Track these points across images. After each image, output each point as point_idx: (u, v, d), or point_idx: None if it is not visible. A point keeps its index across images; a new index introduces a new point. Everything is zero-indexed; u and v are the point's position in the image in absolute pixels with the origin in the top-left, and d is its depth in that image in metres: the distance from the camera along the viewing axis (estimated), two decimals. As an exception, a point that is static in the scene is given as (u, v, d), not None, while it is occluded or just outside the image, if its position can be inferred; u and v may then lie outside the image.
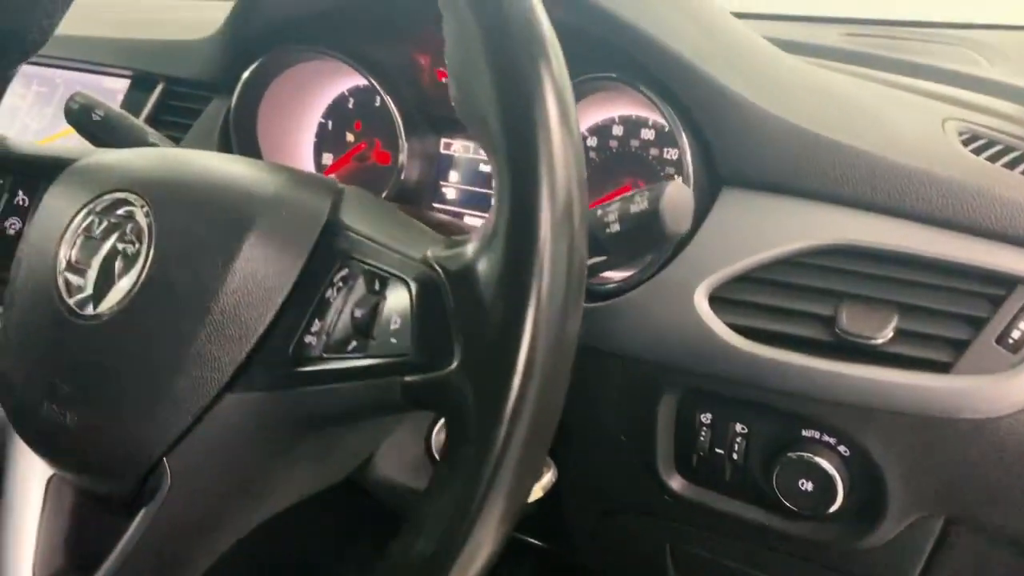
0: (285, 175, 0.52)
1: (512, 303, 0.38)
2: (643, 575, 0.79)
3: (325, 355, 0.46)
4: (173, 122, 0.91)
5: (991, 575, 0.60)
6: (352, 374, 0.44)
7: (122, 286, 0.49)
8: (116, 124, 0.74)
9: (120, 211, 0.50)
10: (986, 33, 0.99)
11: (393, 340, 0.43)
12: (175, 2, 1.26)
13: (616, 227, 0.51)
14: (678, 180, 0.56)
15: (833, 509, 0.59)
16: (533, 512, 0.65)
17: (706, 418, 0.63)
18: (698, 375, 0.61)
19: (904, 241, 0.57)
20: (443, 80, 0.82)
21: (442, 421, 0.68)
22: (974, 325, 0.55)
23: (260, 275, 0.47)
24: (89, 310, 0.49)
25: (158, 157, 0.54)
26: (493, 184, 0.41)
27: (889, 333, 0.56)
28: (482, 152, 0.83)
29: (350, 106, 0.89)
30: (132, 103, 0.95)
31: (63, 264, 0.51)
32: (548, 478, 0.66)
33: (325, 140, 0.90)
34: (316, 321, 0.46)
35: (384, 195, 0.82)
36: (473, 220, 0.83)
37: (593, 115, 0.75)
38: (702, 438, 0.63)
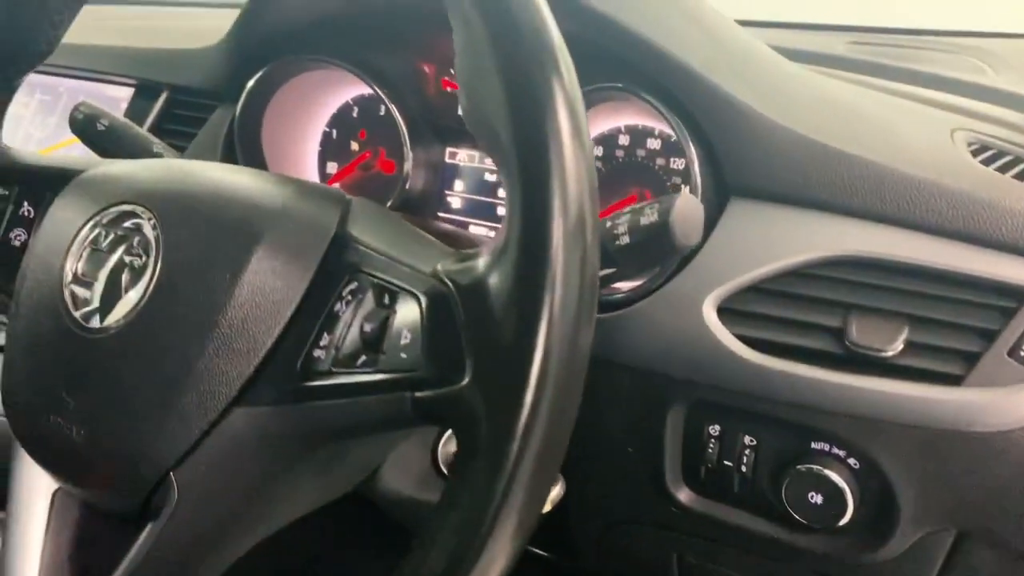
0: (293, 187, 0.51)
1: (524, 317, 0.38)
2: (649, 586, 0.78)
3: (334, 369, 0.45)
4: (177, 131, 0.91)
5: (1003, 589, 0.60)
6: (362, 389, 0.44)
7: (129, 299, 0.48)
8: (121, 134, 0.74)
9: (127, 223, 0.50)
10: (991, 41, 0.99)
11: (403, 355, 0.43)
12: (179, 10, 1.25)
13: (626, 239, 0.50)
14: (688, 192, 0.56)
15: (843, 522, 0.58)
16: (539, 523, 0.65)
17: (714, 430, 0.63)
18: (707, 387, 0.61)
19: (914, 252, 0.57)
20: (448, 89, 0.82)
21: (448, 433, 0.67)
22: (985, 337, 0.54)
23: (268, 288, 0.47)
24: (96, 323, 0.49)
25: (165, 169, 0.53)
26: (504, 196, 0.40)
27: (899, 345, 0.55)
28: (487, 162, 0.82)
29: (354, 115, 0.88)
30: (136, 111, 0.94)
31: (69, 276, 0.51)
32: (557, 491, 0.66)
33: (329, 149, 0.90)
34: (325, 335, 0.46)
35: (389, 204, 0.82)
36: (478, 229, 0.83)
37: (599, 125, 0.75)
38: (710, 450, 0.63)
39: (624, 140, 0.75)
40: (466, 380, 0.40)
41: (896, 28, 1.08)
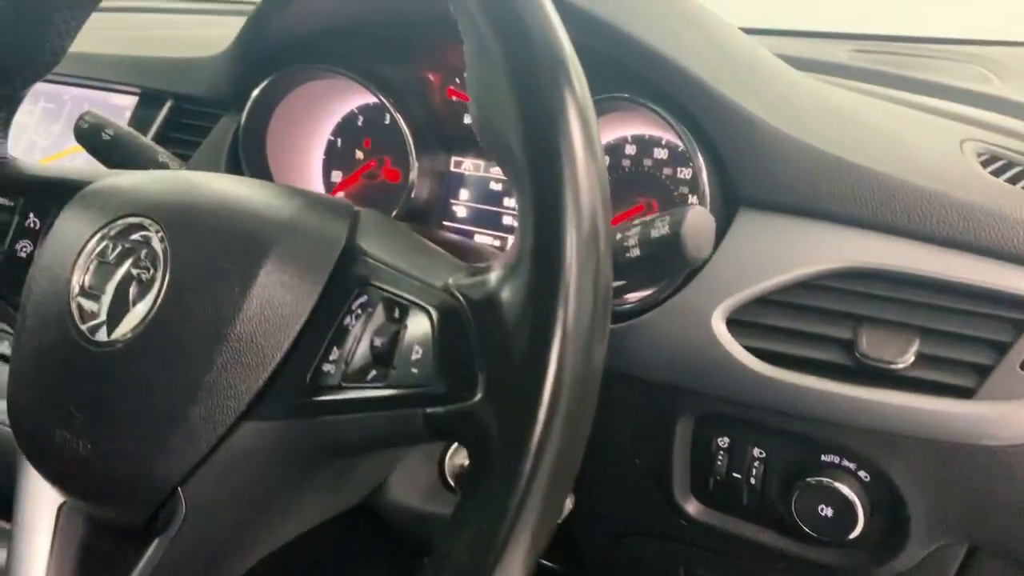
0: (301, 199, 0.51)
1: (537, 332, 0.37)
2: (656, 598, 0.78)
3: (344, 384, 0.45)
4: (181, 139, 0.91)
5: (1014, 602, 0.59)
6: (372, 404, 0.43)
7: (137, 312, 0.48)
8: (126, 143, 0.74)
9: (135, 236, 0.50)
10: (995, 50, 0.99)
11: (414, 370, 0.43)
12: (183, 18, 1.25)
13: (636, 251, 0.50)
14: (699, 205, 0.55)
15: (853, 535, 0.58)
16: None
17: (723, 442, 0.62)
18: (715, 398, 0.60)
19: (925, 264, 0.57)
20: (454, 98, 0.82)
21: (455, 445, 0.67)
22: (997, 350, 0.54)
23: (277, 302, 0.46)
24: (103, 336, 0.48)
25: (173, 181, 0.53)
26: (508, 205, 0.40)
27: (910, 358, 0.55)
28: (492, 171, 0.82)
29: (359, 123, 0.88)
30: (140, 120, 0.94)
31: (76, 289, 0.50)
32: (566, 505, 0.65)
33: (334, 158, 0.90)
34: (334, 349, 0.46)
35: (394, 213, 0.81)
36: (483, 238, 0.83)
37: (606, 134, 0.75)
38: (719, 462, 0.62)
39: (631, 150, 0.75)
40: (478, 396, 0.39)
41: (899, 36, 1.08)
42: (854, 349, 0.56)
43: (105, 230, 0.51)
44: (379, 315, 0.45)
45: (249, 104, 0.83)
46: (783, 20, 1.18)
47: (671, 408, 0.63)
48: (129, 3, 1.37)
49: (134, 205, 0.51)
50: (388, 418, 0.43)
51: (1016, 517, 0.55)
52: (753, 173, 0.62)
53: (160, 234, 0.49)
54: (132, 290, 0.49)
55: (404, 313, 0.44)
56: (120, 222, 0.51)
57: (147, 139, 0.78)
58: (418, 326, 0.43)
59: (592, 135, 0.38)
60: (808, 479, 0.59)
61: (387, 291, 0.46)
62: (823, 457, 0.59)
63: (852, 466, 0.58)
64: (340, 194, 0.89)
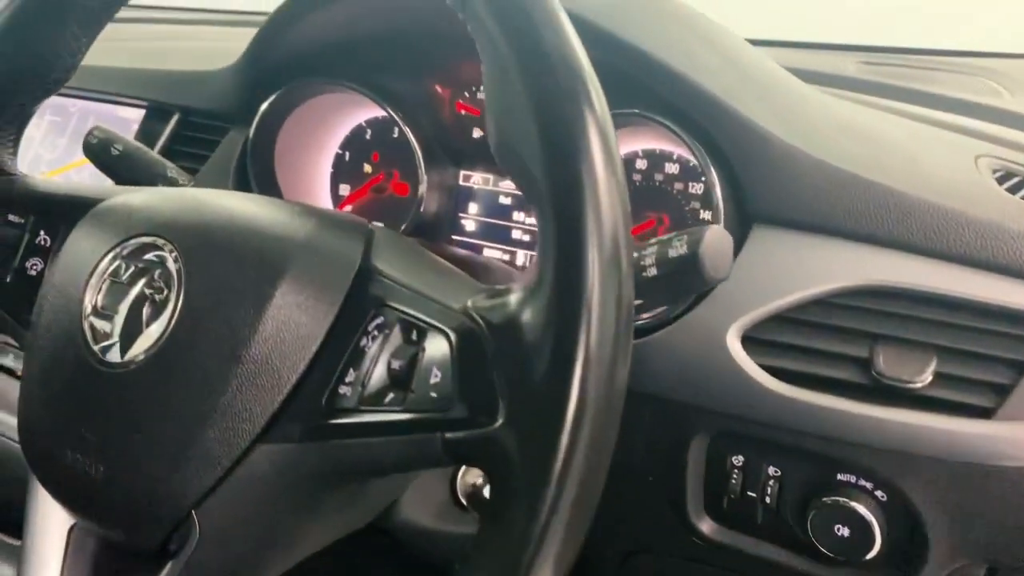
0: (315, 218, 0.51)
1: (559, 356, 0.37)
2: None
3: (361, 407, 0.44)
4: (188, 153, 0.90)
5: (1034, 623, 0.59)
6: (391, 428, 0.43)
7: (151, 333, 0.47)
8: (135, 158, 0.74)
9: (148, 255, 0.49)
10: (1004, 62, 0.99)
11: (434, 394, 0.42)
12: (190, 29, 1.25)
13: (653, 271, 0.50)
14: (717, 225, 0.55)
15: (871, 555, 0.57)
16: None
17: (738, 460, 0.62)
18: (730, 417, 0.60)
19: (942, 282, 0.56)
20: (463, 112, 0.81)
21: (467, 463, 0.66)
22: (1016, 369, 0.54)
23: (293, 323, 0.46)
24: (116, 357, 0.48)
25: (186, 200, 0.52)
26: (536, 230, 0.40)
27: (928, 377, 0.55)
28: (502, 185, 0.82)
29: (367, 137, 0.88)
30: (147, 133, 0.94)
31: (89, 309, 0.50)
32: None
33: (342, 171, 0.90)
34: (350, 371, 0.45)
35: (403, 227, 0.81)
36: (493, 252, 0.82)
37: (617, 149, 0.75)
38: (733, 480, 0.62)
39: (641, 164, 0.74)
40: (499, 422, 0.39)
41: (908, 48, 1.08)
42: (871, 368, 0.56)
43: (118, 249, 0.50)
44: (396, 337, 0.45)
45: (258, 118, 0.83)
46: (791, 31, 1.18)
47: (685, 426, 0.62)
48: (138, 13, 1.37)
49: (147, 224, 0.51)
50: (406, 442, 0.43)
51: (1036, 538, 0.54)
52: (767, 190, 0.62)
53: (174, 254, 0.48)
54: (145, 311, 0.48)
55: (422, 335, 0.44)
56: (133, 241, 0.50)
57: (156, 154, 0.78)
58: (437, 349, 0.43)
59: (613, 154, 0.38)
60: (824, 498, 0.58)
61: (404, 312, 0.45)
62: (839, 476, 0.58)
63: (869, 486, 0.58)
64: (348, 208, 0.89)
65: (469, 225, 0.84)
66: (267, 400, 0.45)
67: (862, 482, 0.58)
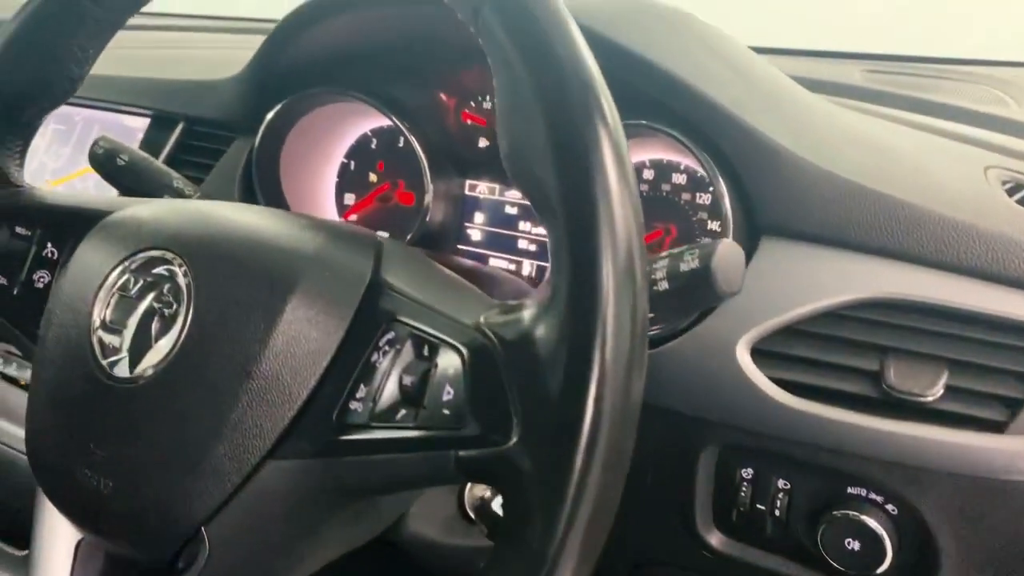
0: (325, 232, 0.50)
1: (574, 373, 0.37)
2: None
3: (373, 424, 0.44)
4: (193, 162, 0.90)
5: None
6: (403, 445, 0.43)
7: (160, 348, 0.47)
8: (140, 169, 0.74)
9: (157, 269, 0.49)
10: (1011, 71, 0.99)
11: (446, 411, 0.42)
12: (195, 36, 1.25)
13: (664, 284, 0.50)
14: (728, 239, 0.54)
15: (881, 569, 0.57)
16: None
17: (747, 473, 0.61)
18: (740, 430, 0.60)
19: (952, 295, 0.56)
20: (468, 121, 0.81)
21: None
22: (1028, 383, 0.53)
23: (303, 338, 0.45)
24: (124, 372, 0.47)
25: (195, 213, 0.52)
26: (548, 245, 0.39)
27: (939, 390, 0.54)
28: (507, 194, 0.82)
29: (373, 146, 0.88)
30: (151, 142, 0.94)
31: (97, 323, 0.49)
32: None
33: (347, 180, 0.89)
34: (361, 387, 0.45)
35: (409, 237, 0.81)
36: (499, 262, 0.82)
37: (625, 160, 0.74)
38: (743, 494, 0.62)
39: (649, 175, 0.74)
40: (513, 440, 0.38)
41: (913, 56, 1.08)
42: (881, 381, 0.56)
43: (127, 263, 0.50)
44: (408, 352, 0.45)
45: (263, 127, 0.82)
46: (794, 38, 1.18)
47: (694, 438, 0.62)
48: (144, 20, 1.36)
49: (156, 237, 0.50)
50: (418, 460, 0.42)
51: (1048, 553, 0.54)
52: (777, 201, 0.62)
53: (184, 268, 0.48)
54: (155, 325, 0.48)
55: (434, 351, 0.43)
56: (142, 255, 0.50)
57: (161, 164, 0.78)
58: (449, 365, 0.43)
59: (626, 167, 0.38)
60: (834, 512, 0.58)
61: (415, 327, 0.45)
62: (850, 490, 0.58)
63: (880, 499, 0.57)
64: (353, 217, 0.89)
65: (475, 235, 0.84)
66: (277, 416, 0.45)
67: (873, 495, 0.58)
